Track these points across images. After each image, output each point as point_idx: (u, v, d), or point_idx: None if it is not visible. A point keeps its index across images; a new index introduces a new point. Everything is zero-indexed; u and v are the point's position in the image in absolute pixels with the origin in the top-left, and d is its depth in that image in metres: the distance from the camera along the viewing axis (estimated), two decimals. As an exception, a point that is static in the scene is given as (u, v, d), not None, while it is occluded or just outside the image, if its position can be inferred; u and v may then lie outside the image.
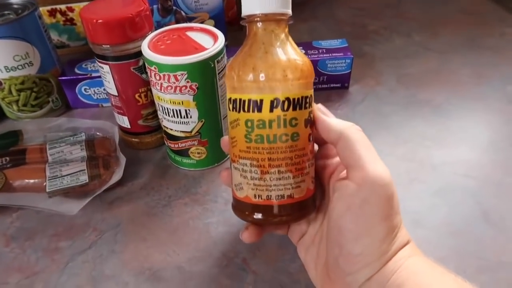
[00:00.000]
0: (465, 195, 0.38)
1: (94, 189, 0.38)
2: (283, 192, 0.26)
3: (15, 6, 0.47)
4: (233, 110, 0.27)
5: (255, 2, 0.26)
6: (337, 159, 0.28)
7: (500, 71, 0.54)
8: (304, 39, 0.62)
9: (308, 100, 0.26)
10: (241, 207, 0.28)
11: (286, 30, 0.27)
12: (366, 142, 0.25)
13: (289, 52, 0.26)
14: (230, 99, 0.27)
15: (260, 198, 0.26)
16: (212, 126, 0.39)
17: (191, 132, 0.39)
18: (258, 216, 0.27)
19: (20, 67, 0.45)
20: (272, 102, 0.25)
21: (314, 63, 0.49)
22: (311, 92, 0.27)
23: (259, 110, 0.25)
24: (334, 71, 0.50)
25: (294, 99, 0.25)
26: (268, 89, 0.25)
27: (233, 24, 0.66)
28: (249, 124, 0.26)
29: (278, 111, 0.25)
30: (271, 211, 0.27)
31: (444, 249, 0.34)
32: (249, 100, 0.25)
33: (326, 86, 0.51)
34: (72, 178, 0.38)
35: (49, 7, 0.58)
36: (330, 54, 0.50)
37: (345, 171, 0.25)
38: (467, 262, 0.33)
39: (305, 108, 0.26)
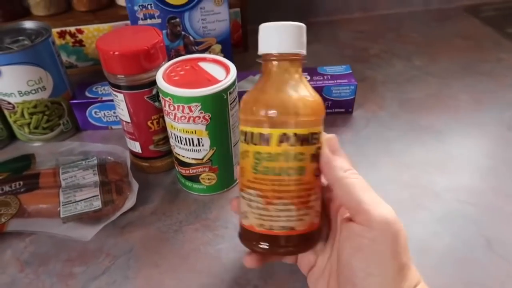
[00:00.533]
0: (468, 222, 0.39)
1: (107, 214, 0.39)
2: (285, 223, 0.27)
3: (29, 31, 0.48)
4: (244, 142, 0.28)
5: (272, 42, 0.28)
6: None
7: (497, 98, 0.56)
8: (307, 62, 0.64)
9: (316, 136, 0.27)
10: (246, 236, 0.29)
11: (300, 69, 0.28)
12: (363, 185, 0.26)
13: (300, 90, 0.27)
14: (242, 131, 0.28)
15: (263, 227, 0.28)
16: (222, 154, 0.40)
17: (202, 159, 0.40)
18: (263, 245, 0.28)
19: (33, 91, 0.46)
20: (280, 137, 0.26)
21: (320, 89, 0.51)
22: (320, 128, 0.28)
23: (267, 143, 0.27)
24: (338, 96, 0.52)
25: (301, 135, 0.27)
26: (278, 124, 0.27)
27: (238, 46, 0.68)
28: (257, 156, 0.27)
29: (285, 145, 0.26)
30: (275, 242, 0.28)
31: (448, 277, 0.35)
32: (259, 134, 0.27)
33: (331, 111, 0.53)
34: (86, 204, 0.39)
35: (58, 29, 0.60)
36: (335, 81, 0.51)
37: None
38: (471, 290, 0.34)
39: (313, 143, 0.27)
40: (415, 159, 0.47)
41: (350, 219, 0.27)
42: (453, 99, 0.57)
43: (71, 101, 0.51)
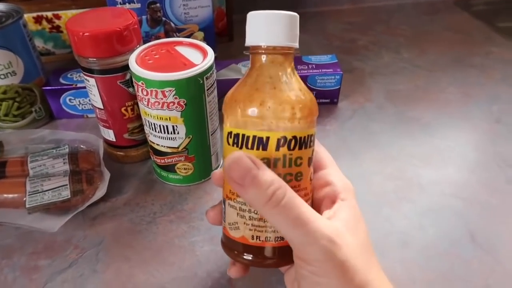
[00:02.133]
0: (453, 215, 0.38)
1: (76, 205, 0.37)
2: (279, 234, 0.25)
3: (-1, 13, 0.46)
4: (233, 145, 0.25)
5: (263, 33, 0.24)
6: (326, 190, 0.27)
7: (486, 91, 0.55)
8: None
9: (312, 138, 0.25)
10: (232, 246, 0.27)
11: (292, 63, 0.25)
12: (291, 212, 0.22)
13: (296, 88, 0.25)
14: (230, 133, 0.25)
15: (258, 239, 0.25)
16: (199, 142, 0.38)
17: (178, 148, 0.38)
18: (248, 257, 0.26)
19: (2, 76, 0.44)
20: (279, 141, 0.24)
21: (304, 78, 0.49)
22: (314, 130, 0.26)
23: (265, 148, 0.24)
24: (323, 86, 0.50)
25: (300, 138, 0.24)
26: (276, 127, 0.24)
27: (222, 35, 0.66)
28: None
29: (284, 149, 0.24)
30: (263, 253, 0.26)
31: (431, 272, 0.33)
32: (254, 137, 0.24)
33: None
34: (54, 194, 0.37)
35: (35, 14, 0.57)
36: (320, 70, 0.50)
37: None
38: (454, 285, 0.32)
39: (310, 146, 0.25)
40: (400, 152, 0.45)
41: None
42: (442, 92, 0.55)
43: (44, 87, 0.48)
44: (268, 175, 0.22)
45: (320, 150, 0.29)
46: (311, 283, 0.23)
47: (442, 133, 0.48)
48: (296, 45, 0.25)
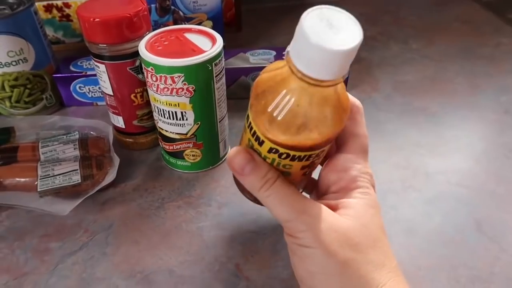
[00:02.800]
0: (458, 204, 0.38)
1: (86, 189, 0.38)
2: None
3: (11, 0, 0.46)
4: (249, 130, 0.26)
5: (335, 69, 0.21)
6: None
7: (494, 82, 0.55)
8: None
9: (312, 156, 0.25)
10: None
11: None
12: (279, 199, 0.25)
13: (318, 113, 0.23)
14: (248, 116, 0.26)
15: None
16: (208, 129, 0.39)
17: (186, 134, 0.38)
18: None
19: (14, 63, 0.45)
20: (270, 148, 0.25)
21: (311, 68, 0.49)
22: (326, 147, 0.25)
23: (260, 144, 0.25)
24: (331, 76, 0.50)
25: (294, 155, 0.24)
26: (273, 137, 0.24)
27: (231, 26, 0.66)
28: (250, 143, 0.26)
29: (274, 155, 0.25)
30: None
31: (436, 258, 0.34)
32: (255, 133, 0.25)
33: (323, 91, 0.51)
34: (65, 178, 0.38)
35: (45, 2, 0.58)
36: (328, 59, 0.50)
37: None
38: (459, 272, 0.33)
39: (305, 160, 0.25)
40: (407, 141, 0.45)
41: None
42: (450, 82, 0.55)
43: (54, 75, 0.49)
44: (263, 167, 0.25)
45: (355, 130, 0.28)
46: (300, 257, 0.25)
47: (449, 123, 0.48)
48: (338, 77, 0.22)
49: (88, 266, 0.34)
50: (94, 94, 0.50)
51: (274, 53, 0.51)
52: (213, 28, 0.56)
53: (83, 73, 0.49)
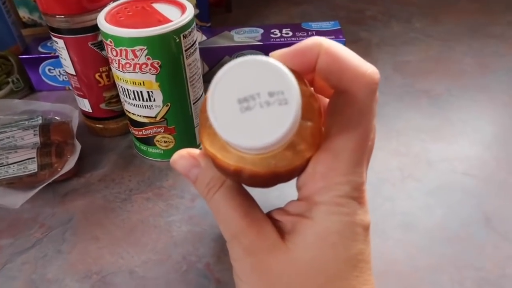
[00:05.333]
0: (464, 195, 0.34)
1: (43, 179, 0.34)
2: None
3: (-30, -26, 0.42)
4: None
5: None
6: None
7: (506, 62, 0.50)
8: (295, 22, 0.58)
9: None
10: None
11: None
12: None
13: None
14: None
15: None
16: (179, 112, 0.34)
17: (155, 117, 0.34)
18: None
19: (-28, 42, 0.41)
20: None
21: (302, 46, 0.44)
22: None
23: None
24: (323, 55, 0.46)
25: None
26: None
27: (219, 6, 0.61)
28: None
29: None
30: None
31: (438, 257, 0.29)
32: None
33: (315, 72, 0.47)
34: (19, 167, 0.34)
35: (18, -19, 0.54)
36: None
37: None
38: (465, 274, 0.28)
39: None
40: (407, 125, 0.41)
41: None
42: (456, 63, 0.50)
43: (21, 56, 0.45)
44: (206, 173, 0.22)
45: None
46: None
47: (455, 105, 0.43)
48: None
49: (39, 265, 0.30)
50: (65, 78, 0.46)
51: (261, 31, 0.47)
52: (197, 5, 0.52)
53: (52, 54, 0.45)
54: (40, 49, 0.46)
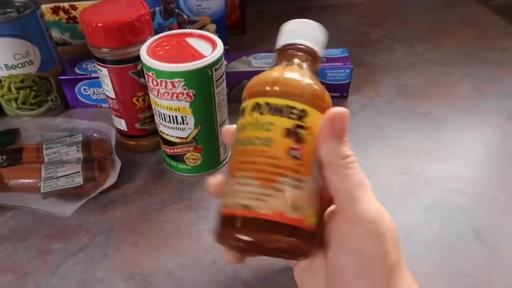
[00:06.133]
0: (458, 211, 0.38)
1: (88, 191, 0.38)
2: (244, 201, 0.23)
3: (17, 3, 0.47)
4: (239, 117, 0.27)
5: (288, 36, 0.28)
6: None
7: (500, 86, 0.54)
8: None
9: (295, 111, 0.24)
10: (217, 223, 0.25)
11: (310, 64, 0.28)
12: (358, 178, 0.24)
13: (296, 74, 0.26)
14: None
15: (225, 206, 0.24)
16: (208, 133, 0.39)
17: (187, 138, 0.39)
18: (222, 231, 0.24)
19: (20, 65, 0.46)
20: (253, 106, 0.25)
21: (314, 71, 0.49)
22: (304, 107, 0.24)
23: (243, 115, 0.26)
24: (333, 80, 0.50)
25: (274, 104, 0.24)
26: (254, 95, 0.25)
27: (235, 28, 0.66)
28: (237, 128, 0.26)
29: (256, 114, 0.25)
30: (234, 224, 0.23)
31: (433, 266, 0.34)
32: (241, 108, 0.26)
33: (325, 95, 0.51)
34: (67, 180, 0.38)
35: (52, 5, 0.59)
36: (330, 64, 0.50)
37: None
38: (456, 280, 0.33)
39: (288, 117, 0.24)
40: (408, 146, 0.45)
41: (335, 213, 0.25)
42: (454, 87, 0.55)
43: (60, 77, 0.50)
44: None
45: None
46: (352, 251, 0.23)
47: (452, 128, 0.48)
48: (312, 46, 0.28)
49: (88, 267, 0.34)
50: (99, 96, 0.51)
51: (277, 56, 0.52)
52: (217, 31, 0.57)
53: (88, 75, 0.50)
54: (76, 70, 0.51)
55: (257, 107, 0.25)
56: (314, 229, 0.24)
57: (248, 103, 0.26)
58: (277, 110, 0.24)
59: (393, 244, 0.23)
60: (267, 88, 0.25)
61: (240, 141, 0.25)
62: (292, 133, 0.24)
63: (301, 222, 0.23)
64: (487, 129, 0.48)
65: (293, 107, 0.24)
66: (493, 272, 0.33)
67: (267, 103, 0.25)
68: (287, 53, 0.28)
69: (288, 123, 0.24)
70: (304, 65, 0.27)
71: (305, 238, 0.24)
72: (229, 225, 0.24)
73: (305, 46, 0.27)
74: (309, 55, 0.28)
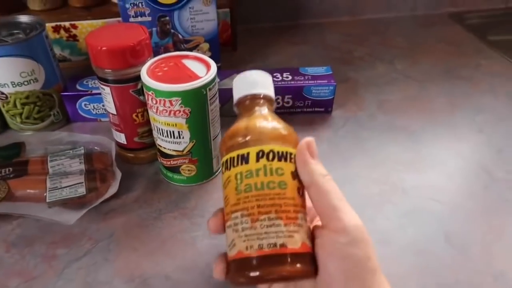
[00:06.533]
0: (431, 218, 0.42)
1: (91, 200, 0.41)
2: (275, 240, 0.25)
3: (24, 25, 0.50)
4: (225, 171, 0.29)
5: (240, 89, 0.32)
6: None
7: (472, 102, 0.59)
8: (293, 62, 0.67)
9: (293, 156, 0.28)
10: (236, 268, 0.27)
11: (271, 108, 0.32)
12: (338, 192, 0.27)
13: (271, 118, 0.30)
14: (222, 162, 0.30)
15: (251, 249, 0.26)
16: (202, 146, 0.43)
17: (182, 151, 0.42)
18: (255, 272, 0.25)
19: (26, 83, 0.49)
20: (258, 154, 0.27)
21: (300, 88, 0.53)
22: (294, 150, 0.29)
23: (247, 162, 0.27)
24: (318, 96, 0.54)
25: (278, 152, 0.28)
26: (254, 143, 0.28)
27: (227, 45, 0.70)
28: (238, 176, 0.27)
29: (263, 160, 0.27)
30: (269, 263, 0.25)
31: (406, 267, 0.37)
32: (238, 156, 0.28)
33: (311, 110, 0.55)
34: (71, 190, 0.41)
35: (53, 24, 0.62)
36: (315, 81, 0.54)
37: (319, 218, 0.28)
38: (427, 280, 0.36)
39: (291, 161, 0.28)
40: (387, 158, 0.49)
41: (322, 227, 0.27)
42: (430, 102, 0.59)
43: (62, 93, 0.53)
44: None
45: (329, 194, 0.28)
46: (341, 255, 0.26)
47: (427, 140, 0.52)
48: (267, 93, 0.32)
49: (91, 271, 0.37)
50: (98, 111, 0.54)
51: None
52: (210, 49, 0.60)
53: (89, 92, 0.53)
54: (78, 87, 0.54)
55: (262, 154, 0.27)
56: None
57: (250, 151, 0.28)
58: (282, 156, 0.28)
59: (373, 249, 0.27)
60: (265, 136, 0.28)
61: (255, 186, 0.27)
62: (296, 175, 0.28)
63: (312, 248, 0.27)
64: (460, 142, 0.52)
65: (292, 153, 0.29)
66: (461, 273, 0.37)
67: (271, 151, 0.28)
68: (255, 101, 0.31)
69: (292, 166, 0.28)
70: (272, 111, 0.32)
71: (314, 260, 0.27)
72: (267, 264, 0.25)
73: (268, 95, 0.32)
74: (271, 101, 0.32)
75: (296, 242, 0.26)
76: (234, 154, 0.28)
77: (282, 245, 0.25)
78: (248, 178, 0.27)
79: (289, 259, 0.25)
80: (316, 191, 0.27)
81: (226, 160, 0.29)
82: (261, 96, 0.31)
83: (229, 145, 0.29)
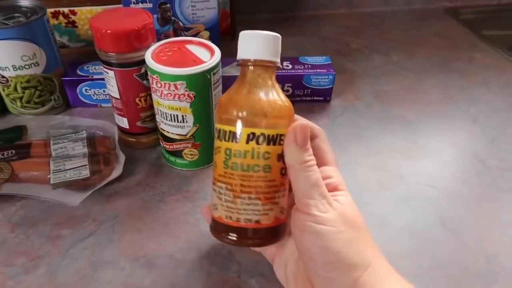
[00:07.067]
0: (427, 202, 0.43)
1: (94, 183, 0.42)
2: (251, 217, 0.29)
3: (25, 9, 0.50)
4: (217, 138, 0.30)
5: (249, 49, 0.30)
6: None
7: (466, 93, 0.60)
8: (290, 53, 0.67)
9: (283, 138, 0.29)
10: (216, 227, 0.31)
11: (273, 76, 0.31)
12: (312, 180, 0.28)
13: (271, 95, 0.30)
14: (216, 128, 0.31)
15: (230, 219, 0.30)
16: (205, 131, 0.43)
17: (186, 135, 0.43)
18: (231, 237, 0.30)
19: (27, 66, 0.49)
20: (248, 136, 0.29)
21: (300, 77, 0.54)
22: (286, 130, 0.29)
23: (237, 141, 0.29)
24: (317, 85, 0.55)
25: (268, 135, 0.29)
26: (247, 124, 0.29)
27: (226, 34, 0.70)
28: (227, 152, 0.29)
29: (253, 143, 0.29)
30: (242, 233, 0.30)
31: (404, 248, 0.38)
32: (230, 131, 0.29)
33: (310, 98, 0.56)
34: (75, 172, 0.42)
35: (52, 10, 0.62)
36: (315, 70, 0.55)
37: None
38: (423, 260, 0.38)
39: (279, 144, 0.29)
40: (384, 145, 0.50)
41: (295, 208, 0.29)
42: (425, 93, 0.60)
43: (63, 78, 0.53)
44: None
45: (327, 149, 0.32)
46: (313, 234, 0.28)
47: (423, 130, 0.53)
48: (277, 60, 0.30)
49: (96, 250, 0.38)
50: (99, 97, 0.55)
51: (266, 62, 0.56)
52: (210, 37, 0.61)
53: (90, 77, 0.53)
54: (78, 72, 0.54)
55: (253, 137, 0.29)
56: (286, 220, 0.32)
57: (242, 131, 0.29)
58: (271, 140, 0.29)
59: (345, 224, 0.28)
60: (259, 118, 0.29)
61: (241, 166, 0.29)
62: (282, 156, 0.30)
63: (284, 219, 0.31)
64: (454, 131, 0.53)
65: (282, 134, 0.29)
66: (455, 254, 0.38)
67: (263, 134, 0.29)
68: (258, 69, 0.30)
69: (280, 149, 0.29)
70: (274, 81, 0.30)
71: (285, 229, 0.32)
72: (241, 235, 0.30)
73: (275, 63, 0.30)
74: (275, 69, 0.31)
75: (270, 218, 0.30)
76: (227, 128, 0.29)
77: (257, 222, 0.30)
78: (236, 157, 0.29)
79: (261, 233, 0.30)
80: (292, 175, 0.29)
81: (219, 130, 0.30)
82: (268, 64, 0.30)
83: (224, 117, 0.30)
